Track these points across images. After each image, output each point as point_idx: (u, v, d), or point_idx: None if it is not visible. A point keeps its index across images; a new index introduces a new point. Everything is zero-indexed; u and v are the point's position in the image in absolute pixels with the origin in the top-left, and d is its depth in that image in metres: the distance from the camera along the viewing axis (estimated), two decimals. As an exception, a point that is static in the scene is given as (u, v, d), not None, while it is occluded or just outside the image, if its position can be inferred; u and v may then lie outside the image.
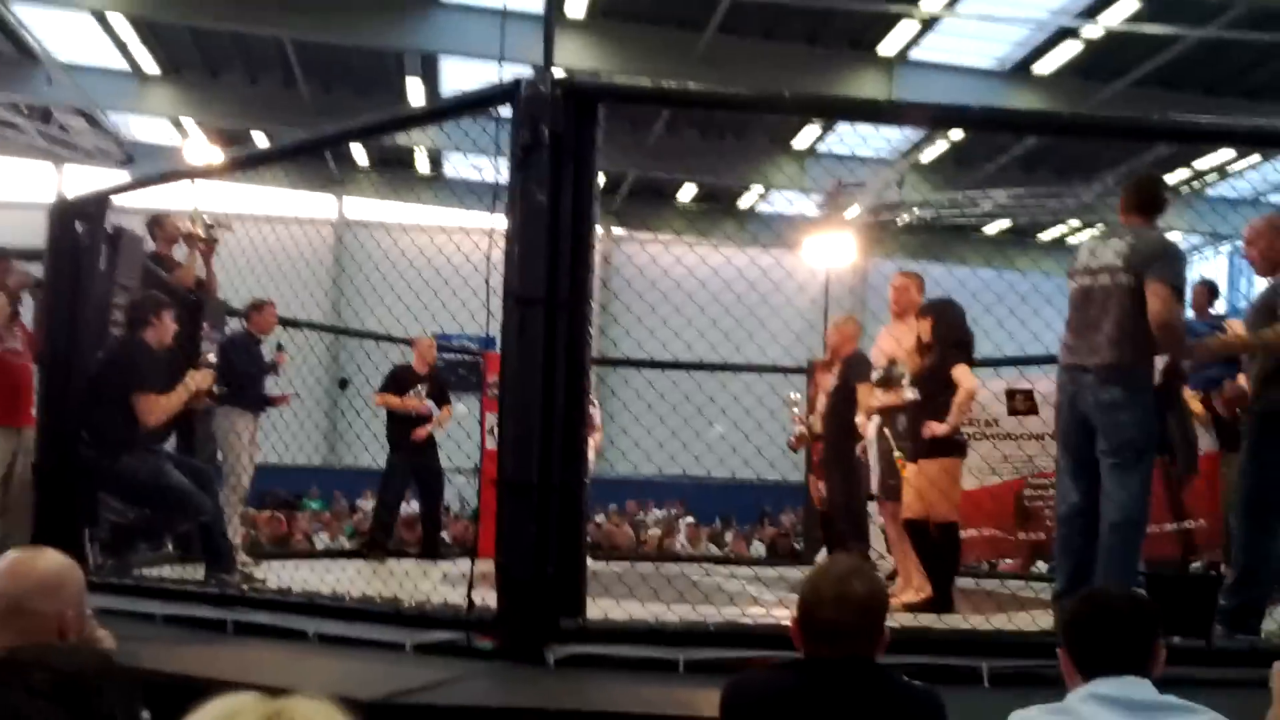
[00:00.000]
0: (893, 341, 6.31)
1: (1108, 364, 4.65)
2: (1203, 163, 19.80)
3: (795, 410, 7.71)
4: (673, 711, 3.40)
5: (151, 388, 5.59)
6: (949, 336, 5.89)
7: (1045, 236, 23.51)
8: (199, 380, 5.82)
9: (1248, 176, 20.48)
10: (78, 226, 5.84)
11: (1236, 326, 5.63)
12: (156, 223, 7.28)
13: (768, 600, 6.05)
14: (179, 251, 7.26)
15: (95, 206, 5.93)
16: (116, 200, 5.99)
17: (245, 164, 6.31)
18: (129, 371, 5.61)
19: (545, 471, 3.96)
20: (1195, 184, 20.36)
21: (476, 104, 4.67)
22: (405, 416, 8.36)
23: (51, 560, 2.38)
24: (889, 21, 15.56)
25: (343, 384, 17.55)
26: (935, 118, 5.44)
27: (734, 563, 9.78)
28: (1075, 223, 22.01)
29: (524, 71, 4.41)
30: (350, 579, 6.08)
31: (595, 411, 7.89)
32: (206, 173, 5.91)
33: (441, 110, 5.14)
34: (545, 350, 3.97)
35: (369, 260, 19.71)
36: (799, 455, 8.67)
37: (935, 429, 5.72)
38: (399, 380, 8.55)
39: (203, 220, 7.15)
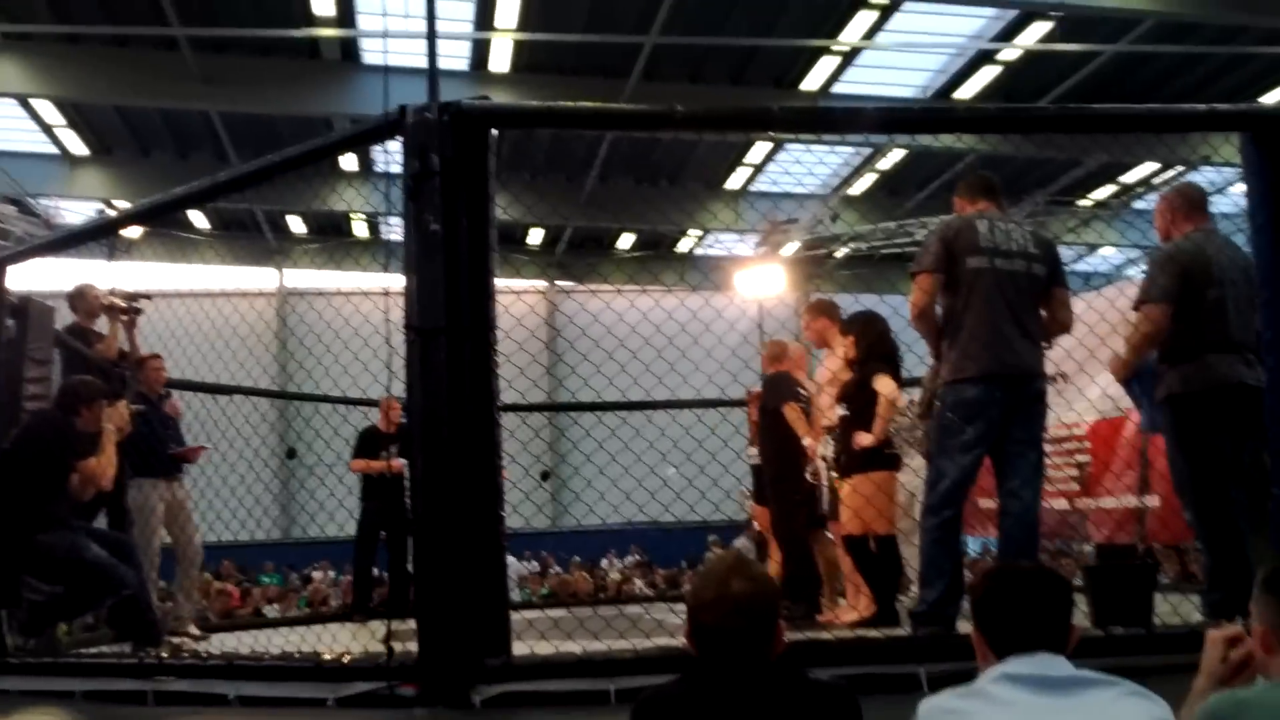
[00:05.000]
0: (826, 371, 6.33)
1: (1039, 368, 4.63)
2: (1129, 177, 20.16)
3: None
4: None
5: (87, 455, 5.46)
6: (869, 349, 5.89)
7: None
8: (115, 416, 5.65)
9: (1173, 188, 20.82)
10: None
11: None
12: (77, 295, 7.16)
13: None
14: (101, 325, 7.13)
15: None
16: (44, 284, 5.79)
17: (127, 222, 6.13)
18: (59, 446, 5.45)
19: (460, 508, 3.84)
20: (1121, 197, 20.70)
21: (365, 137, 4.61)
22: (381, 478, 8.27)
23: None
24: (811, 56, 15.76)
25: (290, 454, 17.36)
26: (882, 121, 5.40)
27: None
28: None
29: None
30: (299, 644, 5.89)
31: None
32: (96, 233, 5.77)
33: (330, 146, 5.03)
34: (451, 382, 3.87)
35: (312, 328, 19.66)
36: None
37: (862, 440, 5.70)
38: (369, 442, 8.47)
39: (124, 293, 7.04)
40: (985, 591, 2.42)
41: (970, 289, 4.54)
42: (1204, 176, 20.17)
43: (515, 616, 4.22)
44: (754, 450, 7.58)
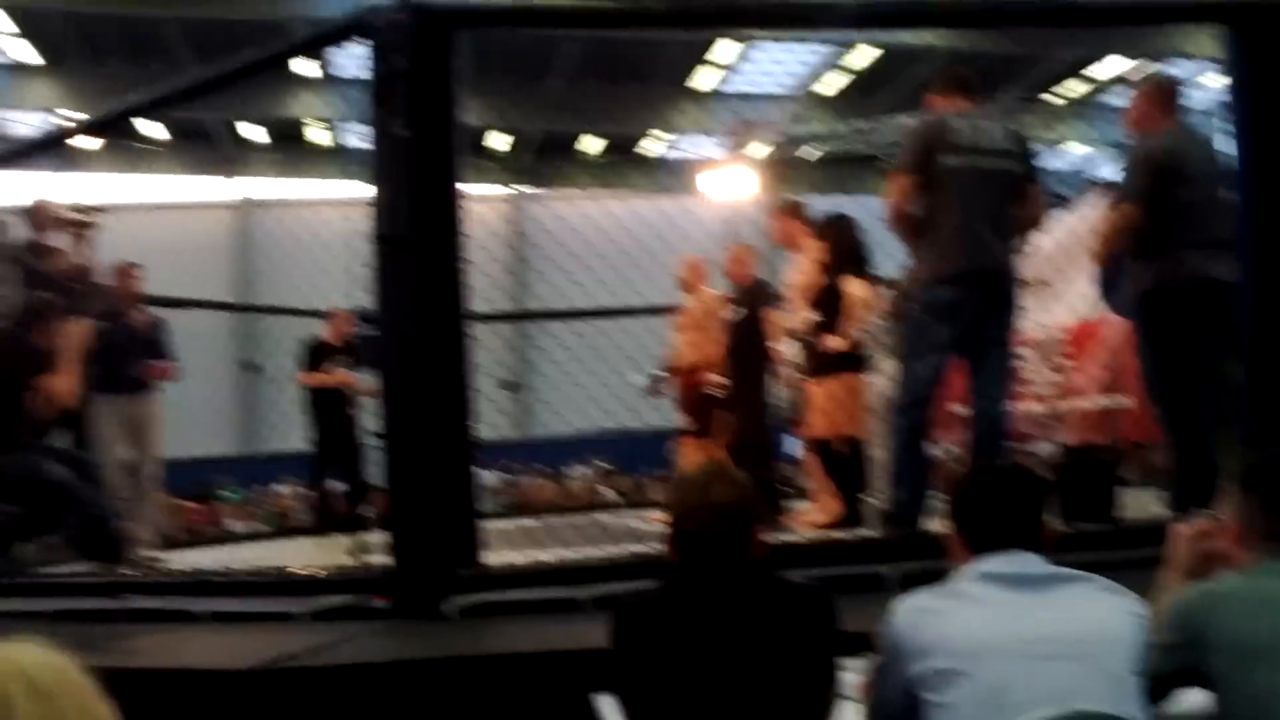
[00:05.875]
0: (793, 274, 6.27)
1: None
2: (1098, 71, 19.98)
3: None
4: (573, 646, 3.28)
5: (45, 373, 5.34)
6: (839, 252, 5.84)
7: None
8: (75, 333, 5.52)
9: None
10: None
11: None
12: (33, 209, 6.96)
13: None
14: (59, 240, 6.95)
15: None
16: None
17: (79, 132, 5.93)
18: (15, 365, 5.33)
19: (429, 420, 3.79)
20: (1096, 94, 20.57)
21: (327, 39, 4.44)
22: (326, 391, 8.16)
23: None
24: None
25: (253, 367, 17.26)
26: (859, 16, 5.26)
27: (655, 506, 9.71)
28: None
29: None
30: (267, 558, 5.86)
31: None
32: (49, 145, 5.60)
33: (291, 50, 4.86)
34: (417, 292, 3.79)
35: (272, 240, 19.34)
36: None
37: (831, 343, 5.68)
38: (315, 354, 8.36)
39: (76, 205, 6.86)
40: (963, 490, 2.42)
41: (947, 188, 4.47)
42: (1179, 70, 20.11)
43: (489, 526, 4.20)
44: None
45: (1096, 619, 2.19)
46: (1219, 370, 4.67)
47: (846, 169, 21.28)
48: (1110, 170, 21.18)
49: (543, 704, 3.08)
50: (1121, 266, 5.53)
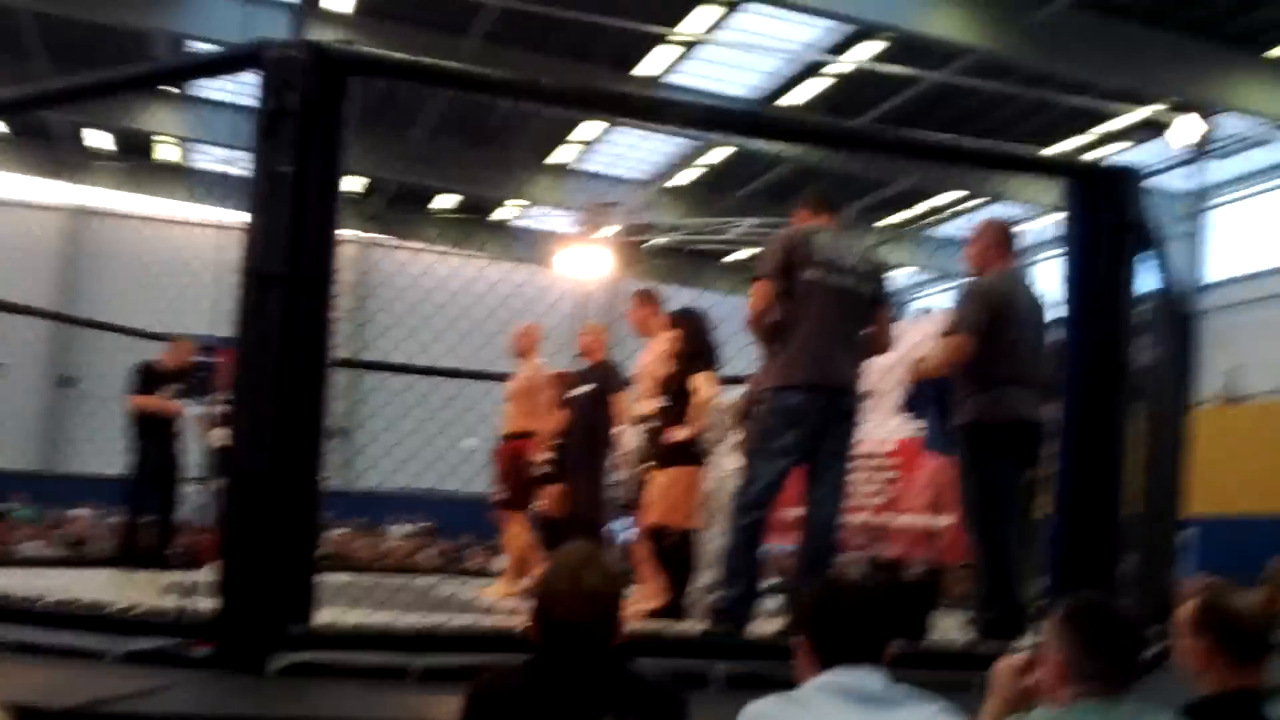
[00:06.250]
0: (643, 360, 6.38)
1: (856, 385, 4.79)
2: (930, 203, 21.11)
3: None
4: (389, 718, 3.23)
5: None
6: (690, 346, 5.98)
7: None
8: None
9: (979, 216, 21.98)
10: None
11: None
12: None
13: (504, 608, 5.98)
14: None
15: None
16: None
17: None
18: None
19: (279, 464, 3.71)
20: (929, 219, 21.66)
21: (218, 65, 4.37)
22: (154, 417, 7.86)
23: None
24: (652, 42, 15.86)
25: (68, 381, 16.35)
26: (707, 118, 5.47)
27: (476, 575, 9.62)
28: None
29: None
30: (63, 588, 5.56)
31: None
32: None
33: (182, 69, 4.75)
34: (284, 332, 3.72)
35: (106, 252, 18.52)
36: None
37: (675, 434, 5.80)
38: (148, 378, 8.03)
39: None
40: (818, 601, 2.49)
41: (804, 299, 4.65)
42: (1009, 211, 21.39)
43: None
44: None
45: None
46: (1026, 504, 4.99)
47: (687, 261, 21.81)
48: (934, 294, 22.29)
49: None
50: (927, 389, 5.84)
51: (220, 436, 7.44)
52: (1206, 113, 15.21)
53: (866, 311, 4.83)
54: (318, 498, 3.86)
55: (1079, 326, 4.54)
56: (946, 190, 20.18)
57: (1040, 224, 18.16)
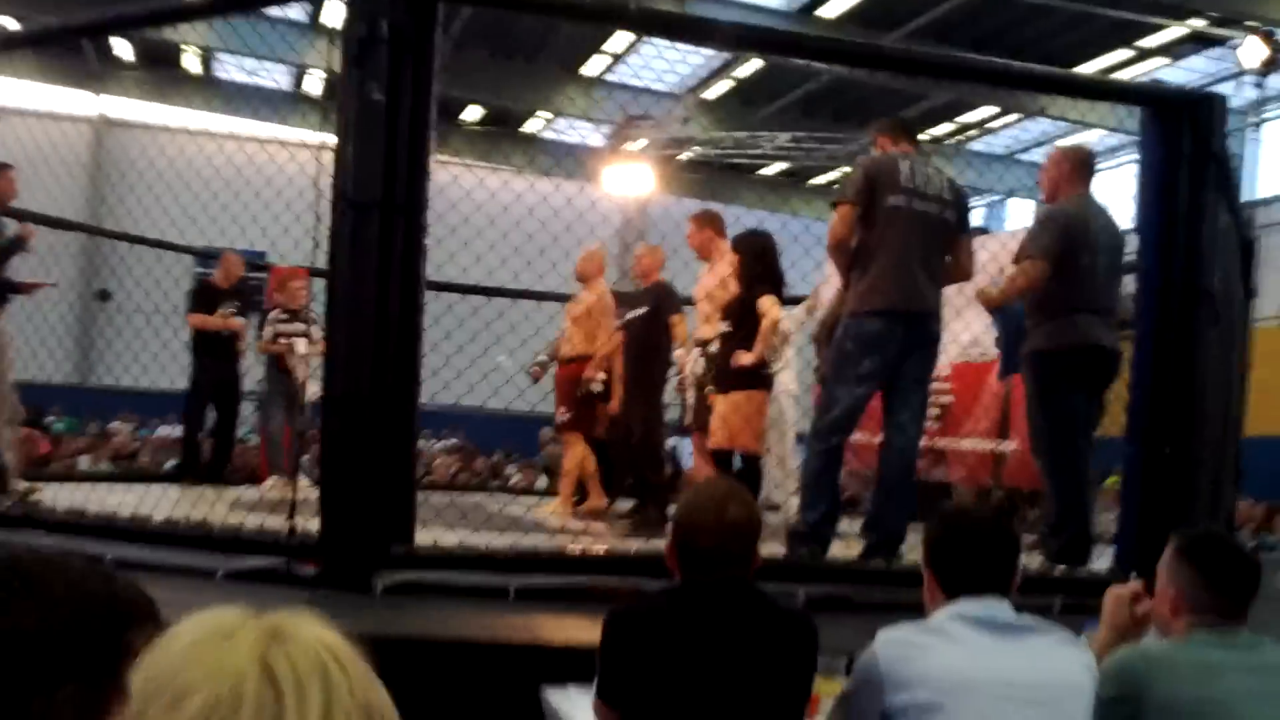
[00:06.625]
0: (705, 284, 6.40)
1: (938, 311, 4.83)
2: (967, 118, 20.83)
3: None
4: (498, 637, 3.33)
5: None
6: (755, 269, 5.99)
7: (817, 181, 24.24)
8: None
9: (1006, 134, 21.74)
10: None
11: None
12: None
13: (575, 528, 6.09)
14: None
15: None
16: None
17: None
18: None
19: (378, 387, 3.77)
20: (959, 138, 21.40)
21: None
22: (214, 334, 7.95)
23: None
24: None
25: (104, 295, 16.37)
26: (740, 37, 5.44)
27: (523, 493, 9.74)
28: (847, 169, 22.78)
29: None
30: (137, 503, 5.67)
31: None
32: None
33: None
34: (380, 258, 3.76)
35: (135, 165, 18.39)
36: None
37: (742, 359, 5.83)
38: (206, 297, 8.12)
39: None
40: (942, 535, 2.56)
41: (886, 225, 4.67)
42: (1039, 127, 21.15)
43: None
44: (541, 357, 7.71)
45: (1060, 669, 2.37)
46: (1093, 430, 5.04)
47: (719, 175, 21.62)
48: (978, 215, 22.11)
49: (483, 694, 3.12)
50: (996, 315, 5.85)
51: (303, 366, 7.53)
52: (1259, 31, 14.93)
53: (948, 238, 4.85)
54: (416, 420, 3.93)
55: (1159, 254, 4.56)
56: (984, 105, 19.86)
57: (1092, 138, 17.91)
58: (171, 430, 12.27)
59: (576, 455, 6.96)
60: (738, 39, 5.47)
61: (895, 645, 2.38)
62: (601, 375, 6.90)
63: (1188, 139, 4.49)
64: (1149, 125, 4.70)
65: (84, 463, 10.92)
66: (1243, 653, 2.41)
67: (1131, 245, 5.02)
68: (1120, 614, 2.66)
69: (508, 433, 15.54)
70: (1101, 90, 5.64)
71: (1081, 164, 5.20)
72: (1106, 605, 2.67)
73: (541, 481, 12.68)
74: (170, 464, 9.68)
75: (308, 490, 6.95)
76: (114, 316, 14.46)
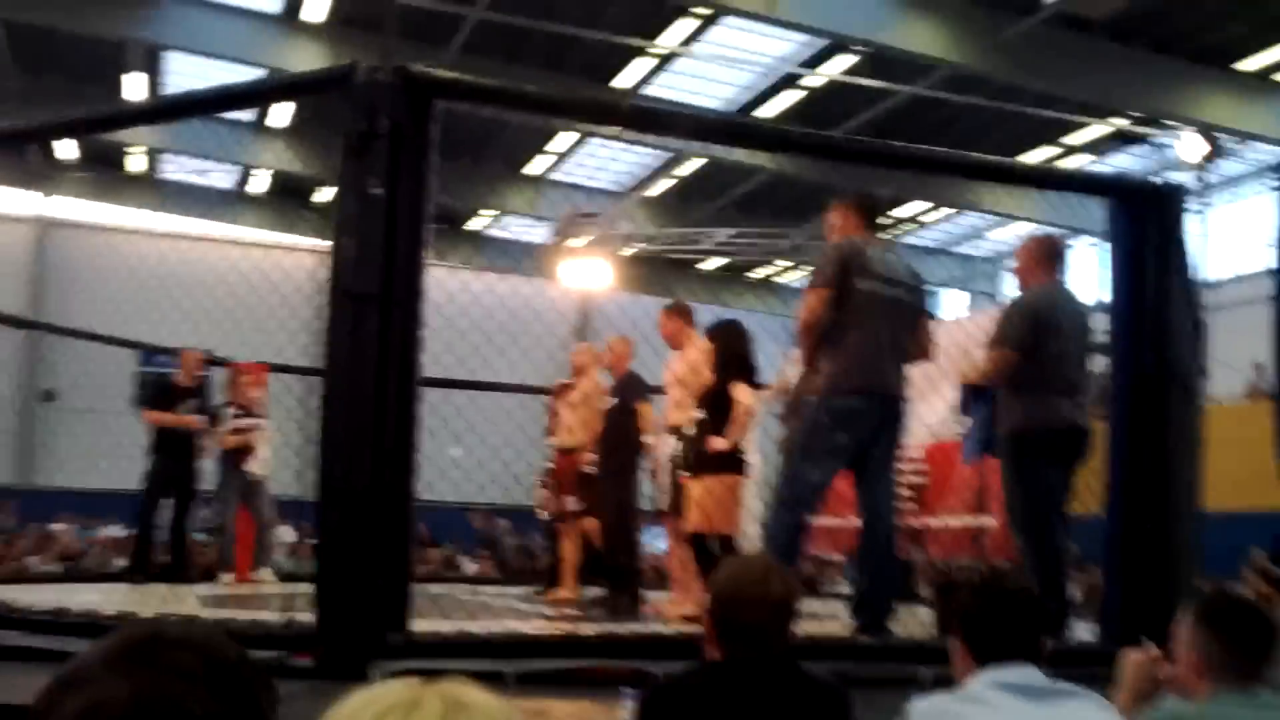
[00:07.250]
0: (674, 372, 6.48)
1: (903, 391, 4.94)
2: (899, 212, 21.39)
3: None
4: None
5: None
6: (728, 357, 6.09)
7: (755, 275, 24.66)
8: None
9: (937, 228, 22.35)
10: None
11: None
12: None
13: (551, 616, 6.05)
14: None
15: None
16: None
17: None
18: None
19: (375, 478, 3.75)
20: (893, 232, 21.93)
21: (304, 87, 4.42)
22: (173, 434, 7.90)
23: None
24: (628, 54, 15.96)
25: (49, 395, 16.04)
26: (697, 129, 5.61)
27: (483, 582, 9.65)
28: (782, 263, 23.23)
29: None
30: (102, 602, 5.53)
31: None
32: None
33: (263, 91, 4.79)
34: (378, 350, 3.78)
35: (75, 266, 18.19)
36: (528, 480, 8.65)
37: (716, 444, 5.89)
38: (165, 394, 8.12)
39: None
40: (972, 604, 2.60)
41: (858, 309, 4.81)
42: (968, 221, 21.77)
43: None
44: (552, 439, 7.69)
45: None
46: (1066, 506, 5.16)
47: (657, 270, 21.90)
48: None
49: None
50: (971, 395, 5.99)
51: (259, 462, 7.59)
52: (1174, 128, 15.61)
53: (912, 320, 5.01)
54: (412, 510, 3.91)
55: (1131, 337, 4.72)
56: (914, 200, 20.41)
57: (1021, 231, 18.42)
58: (115, 531, 11.97)
59: (579, 543, 6.97)
60: (730, 135, 5.66)
61: (932, 715, 2.40)
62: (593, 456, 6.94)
63: (1153, 226, 4.69)
64: (1116, 214, 4.91)
65: (34, 563, 10.60)
66: (1268, 712, 2.46)
67: (1100, 323, 5.20)
68: (1141, 678, 2.70)
69: (446, 524, 15.36)
70: (1070, 182, 5.87)
71: (1051, 252, 5.42)
72: (1127, 670, 2.71)
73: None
74: (119, 564, 9.46)
75: (273, 585, 6.87)
76: (52, 416, 14.16)
